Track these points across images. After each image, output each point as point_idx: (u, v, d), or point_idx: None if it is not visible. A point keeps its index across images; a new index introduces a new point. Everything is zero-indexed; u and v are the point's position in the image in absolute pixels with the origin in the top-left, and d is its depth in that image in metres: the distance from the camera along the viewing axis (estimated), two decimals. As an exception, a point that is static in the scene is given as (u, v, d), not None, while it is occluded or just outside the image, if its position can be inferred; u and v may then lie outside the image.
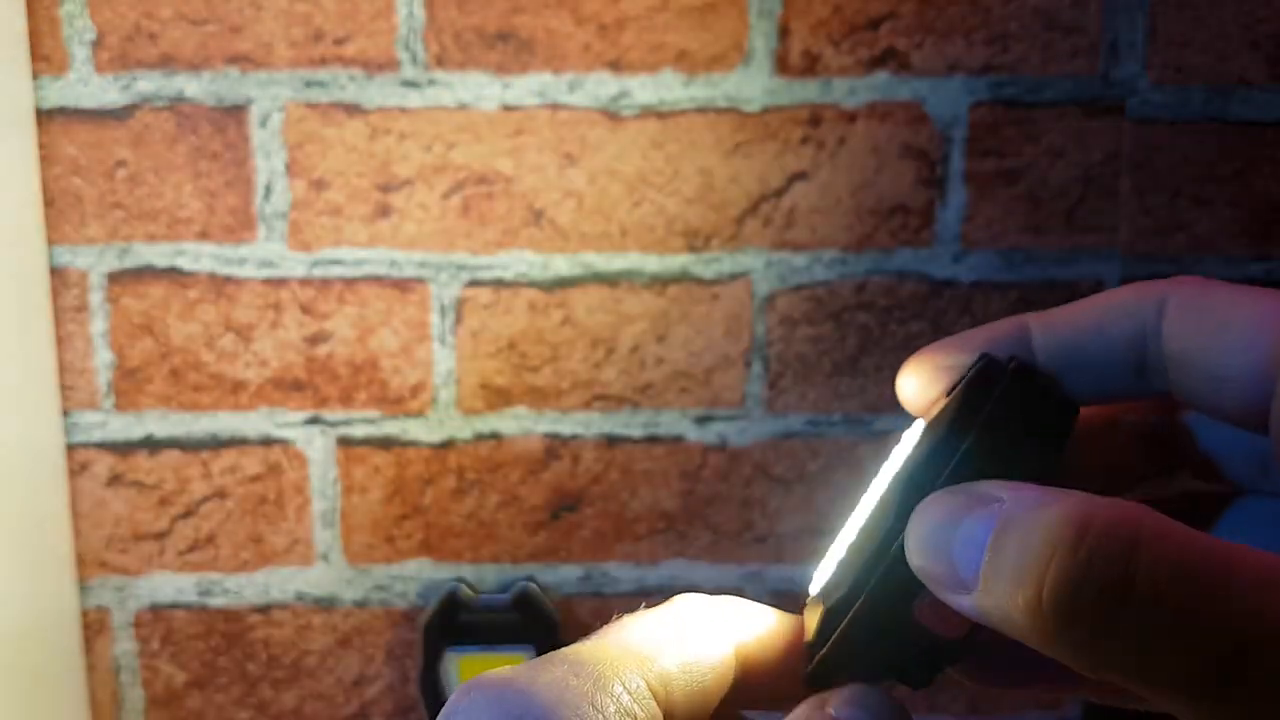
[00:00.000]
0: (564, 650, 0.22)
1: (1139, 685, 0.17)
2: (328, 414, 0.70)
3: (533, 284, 0.69)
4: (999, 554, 0.18)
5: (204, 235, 0.69)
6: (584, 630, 0.24)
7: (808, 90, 0.68)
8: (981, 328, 0.24)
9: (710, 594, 0.25)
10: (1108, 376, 0.23)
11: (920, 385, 0.25)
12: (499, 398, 0.70)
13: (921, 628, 0.22)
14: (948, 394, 0.24)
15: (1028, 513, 0.18)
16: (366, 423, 0.71)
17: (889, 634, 0.23)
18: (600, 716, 0.21)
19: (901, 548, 0.22)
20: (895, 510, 0.22)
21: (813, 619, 0.24)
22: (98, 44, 0.67)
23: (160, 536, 0.72)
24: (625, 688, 0.21)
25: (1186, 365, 0.22)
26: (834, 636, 0.23)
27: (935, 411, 0.24)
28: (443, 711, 0.21)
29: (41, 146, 0.68)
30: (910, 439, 0.25)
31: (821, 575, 0.25)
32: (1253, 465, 0.23)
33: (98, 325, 0.69)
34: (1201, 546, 0.17)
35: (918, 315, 0.70)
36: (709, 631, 0.24)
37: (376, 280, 0.69)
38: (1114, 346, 0.23)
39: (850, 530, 0.25)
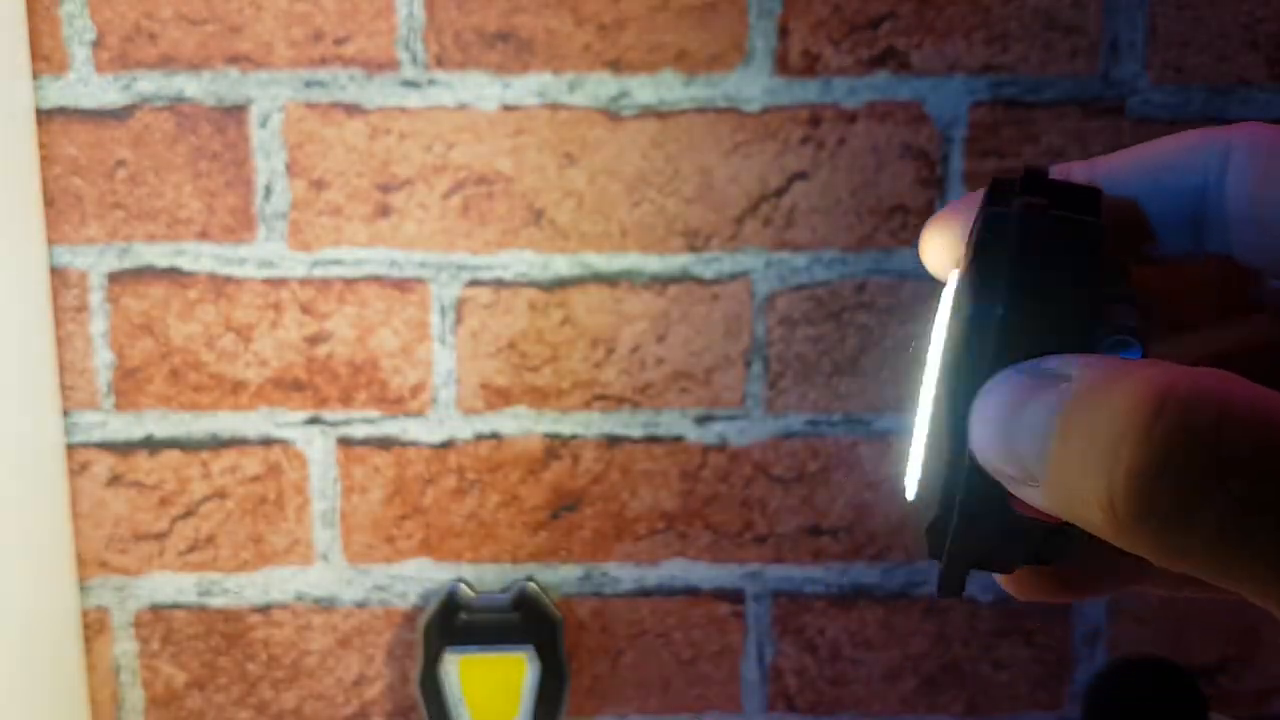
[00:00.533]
0: None
1: (1223, 578, 0.15)
2: (328, 414, 0.71)
3: (533, 284, 0.69)
4: (1066, 440, 0.16)
5: (204, 235, 0.69)
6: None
7: (808, 90, 0.68)
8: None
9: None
10: (1162, 236, 0.20)
11: (941, 247, 0.22)
12: (499, 398, 0.70)
13: (1026, 520, 0.20)
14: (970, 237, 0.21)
15: (1096, 390, 0.16)
16: (366, 423, 0.71)
17: (997, 537, 0.21)
18: None
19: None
20: (951, 404, 0.20)
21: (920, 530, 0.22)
22: (98, 44, 0.67)
23: (160, 536, 0.72)
24: None
25: (1255, 222, 0.19)
26: (945, 556, 0.22)
27: (964, 263, 0.21)
28: None
29: (41, 146, 0.68)
30: (948, 300, 0.22)
31: (912, 479, 0.23)
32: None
33: (98, 325, 0.69)
34: None
35: (918, 315, 0.70)
36: None
37: (376, 280, 0.69)
38: (1169, 200, 0.20)
39: (923, 419, 0.22)
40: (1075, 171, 0.21)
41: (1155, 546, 0.16)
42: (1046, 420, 0.17)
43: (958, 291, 0.21)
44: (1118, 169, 0.21)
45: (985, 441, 0.18)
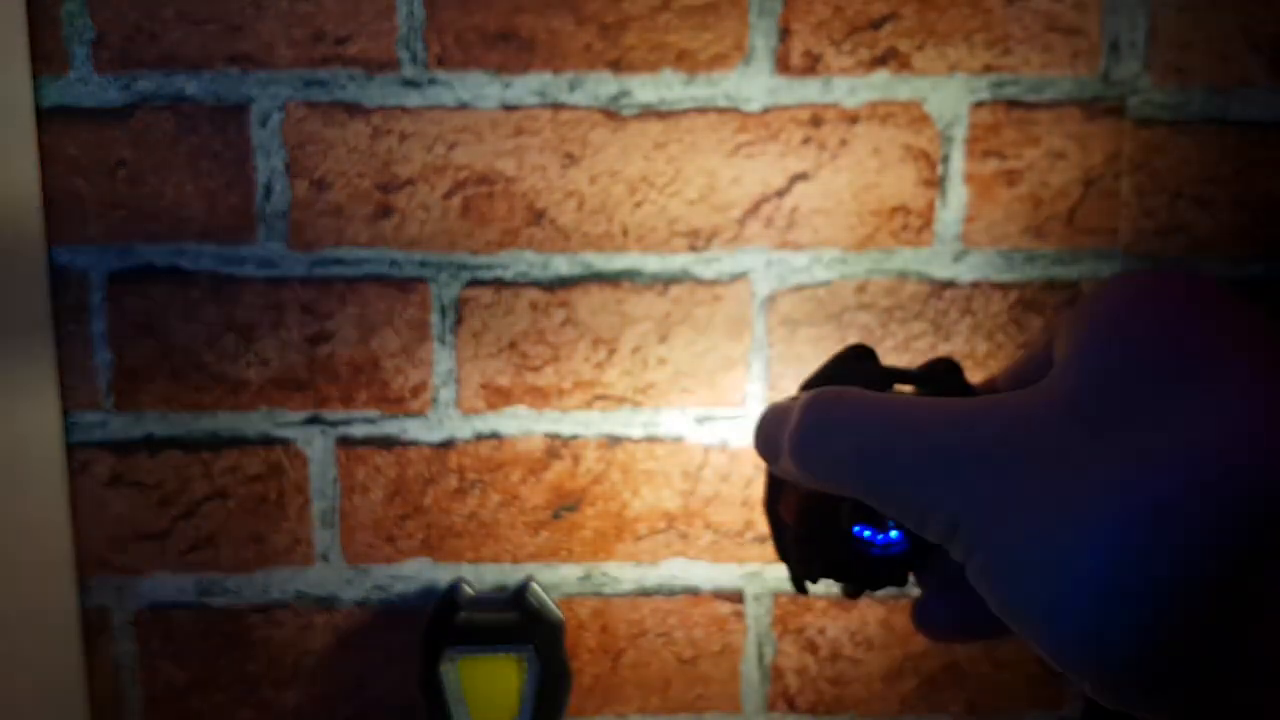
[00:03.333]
0: None
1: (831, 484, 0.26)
2: (328, 414, 0.70)
3: (533, 284, 0.69)
4: (783, 426, 0.27)
5: (204, 235, 0.69)
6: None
7: (809, 90, 0.68)
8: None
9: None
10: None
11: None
12: (499, 398, 0.70)
13: (783, 522, 0.30)
14: None
15: (811, 398, 0.27)
16: (367, 423, 0.71)
17: (778, 534, 0.31)
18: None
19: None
20: None
21: None
22: (98, 44, 0.67)
23: (160, 536, 0.72)
24: None
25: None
26: (777, 552, 0.32)
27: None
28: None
29: (41, 146, 0.67)
30: None
31: None
32: None
33: (98, 325, 0.69)
34: (877, 399, 0.25)
35: (918, 315, 0.70)
36: None
37: (377, 280, 0.69)
38: (1039, 368, 0.29)
39: None
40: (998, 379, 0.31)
41: (805, 466, 0.27)
42: (776, 421, 0.28)
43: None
44: (1014, 364, 0.30)
45: (758, 436, 0.29)
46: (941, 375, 0.30)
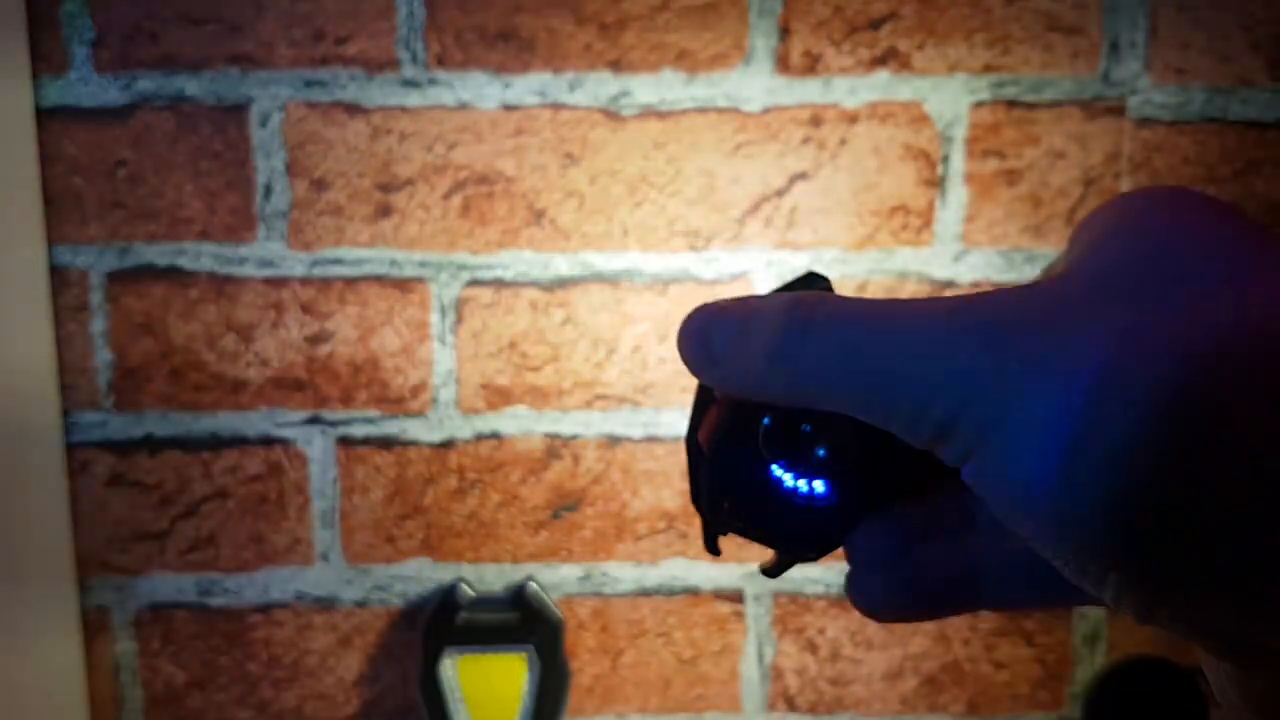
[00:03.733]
0: None
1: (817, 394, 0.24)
2: (328, 414, 0.70)
3: (533, 284, 0.69)
4: (744, 329, 0.25)
5: (204, 235, 0.69)
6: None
7: (809, 90, 0.68)
8: None
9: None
10: None
11: None
12: (499, 397, 0.70)
13: (700, 452, 0.27)
14: None
15: (765, 303, 0.25)
16: (367, 422, 0.71)
17: (694, 471, 0.28)
18: None
19: (700, 391, 0.27)
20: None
21: None
22: (98, 44, 0.67)
23: (160, 536, 0.72)
24: None
25: None
26: (693, 501, 0.28)
27: None
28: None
29: (41, 146, 0.67)
30: None
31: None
32: None
33: (98, 325, 0.69)
34: (863, 300, 0.24)
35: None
36: None
37: (377, 280, 0.69)
38: None
39: None
40: None
41: (788, 376, 0.24)
42: (735, 321, 0.25)
43: None
44: None
45: (688, 339, 0.26)
46: None
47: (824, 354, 0.23)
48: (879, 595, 0.26)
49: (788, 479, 0.26)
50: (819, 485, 0.26)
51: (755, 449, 0.26)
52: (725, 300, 0.26)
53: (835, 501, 0.26)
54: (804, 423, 0.26)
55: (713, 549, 0.28)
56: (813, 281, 0.27)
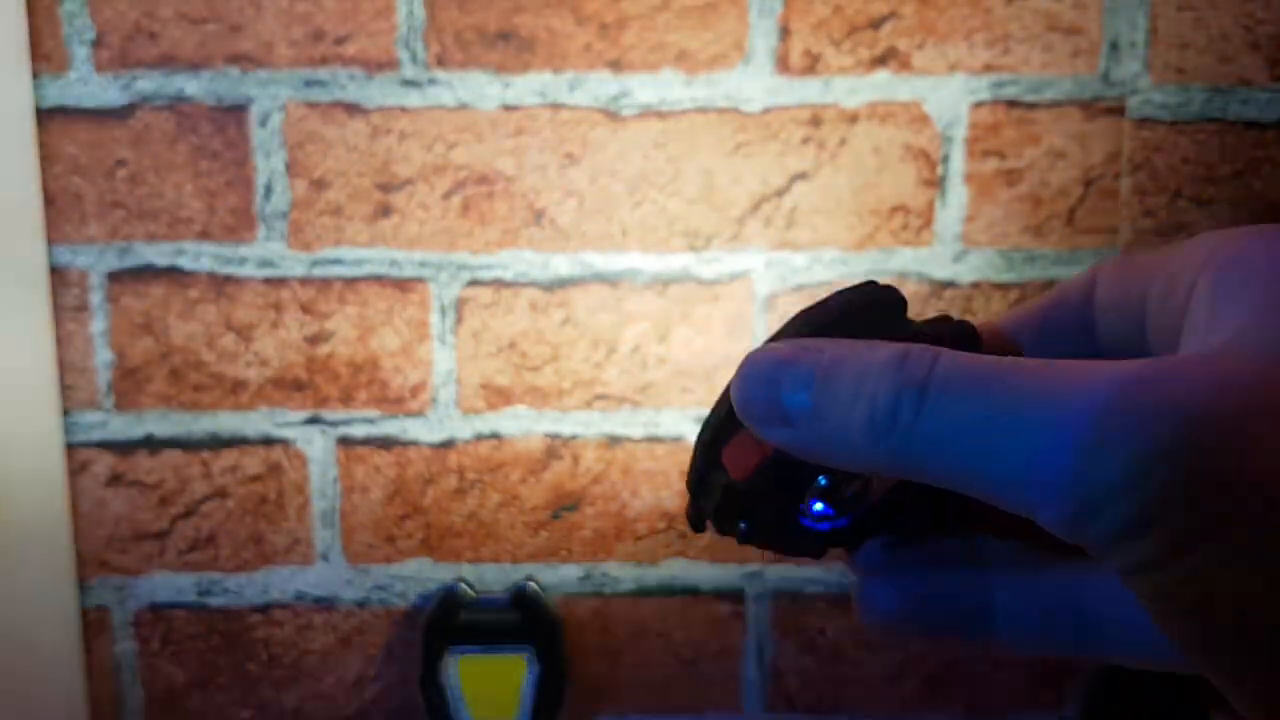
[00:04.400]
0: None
1: (940, 473, 0.20)
2: (328, 414, 0.70)
3: (533, 284, 0.69)
4: (831, 385, 0.21)
5: (204, 235, 0.69)
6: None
7: (808, 90, 0.68)
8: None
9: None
10: (1071, 343, 0.25)
11: None
12: (499, 397, 0.70)
13: (723, 470, 0.25)
14: None
15: (857, 353, 0.22)
16: (366, 422, 0.71)
17: (705, 478, 0.26)
18: None
19: (723, 396, 0.24)
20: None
21: None
22: (98, 43, 0.67)
23: (160, 536, 0.72)
24: None
25: (1107, 320, 0.24)
26: (687, 481, 0.26)
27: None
28: None
29: (41, 146, 0.67)
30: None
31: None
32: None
33: (98, 325, 0.69)
34: (986, 363, 0.20)
35: (918, 315, 0.70)
36: None
37: (377, 280, 0.69)
38: (1067, 323, 0.25)
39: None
40: (1001, 322, 0.27)
41: (893, 458, 0.21)
42: (808, 372, 0.22)
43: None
44: (1028, 315, 0.26)
45: (745, 384, 0.23)
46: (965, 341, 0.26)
47: (944, 430, 0.20)
48: (887, 609, 0.25)
49: (819, 510, 0.25)
50: (843, 518, 0.25)
51: (795, 494, 0.25)
52: (798, 344, 0.23)
53: (848, 524, 0.25)
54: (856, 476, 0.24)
55: (699, 529, 0.27)
56: (876, 294, 0.25)
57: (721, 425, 0.25)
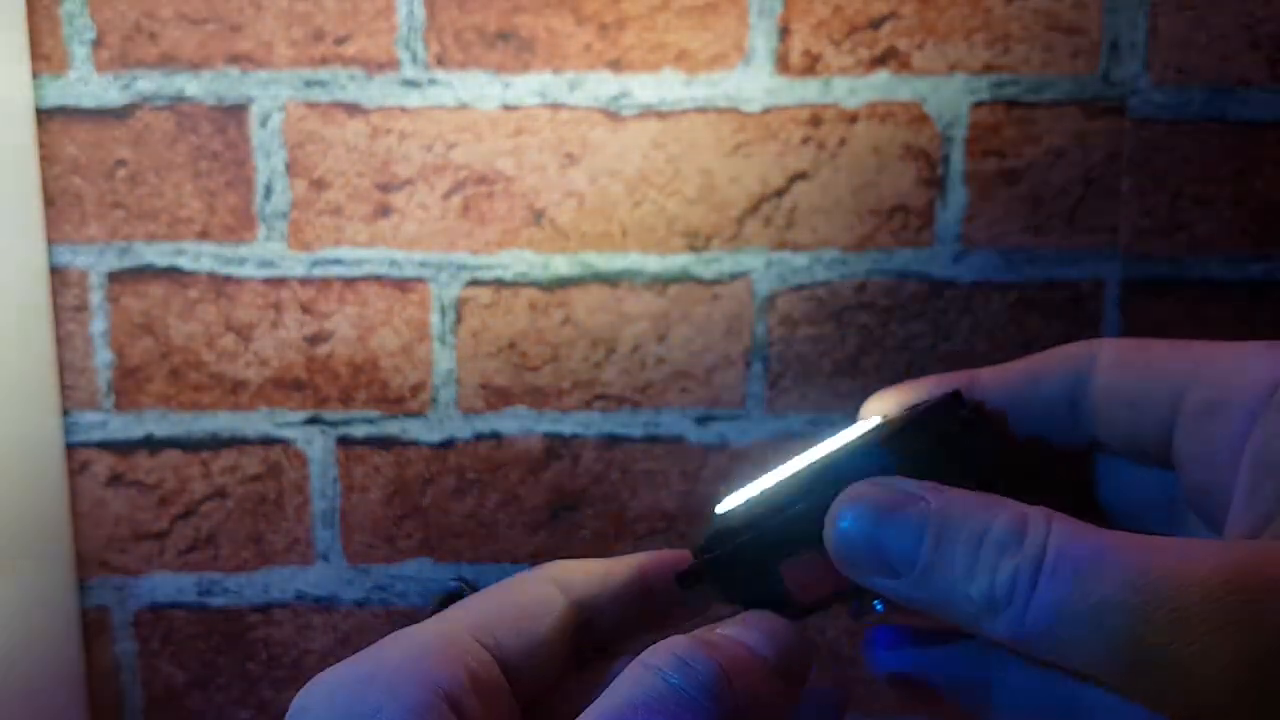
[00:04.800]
0: (396, 634, 0.23)
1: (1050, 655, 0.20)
2: (328, 414, 0.70)
3: (533, 284, 0.69)
4: (945, 547, 0.21)
5: (204, 235, 0.69)
6: None
7: (808, 90, 0.68)
8: (934, 376, 0.27)
9: None
10: (1047, 421, 0.25)
11: (877, 407, 0.28)
12: (499, 398, 0.70)
13: (780, 581, 0.25)
14: (910, 409, 0.27)
15: (970, 513, 0.21)
16: (366, 423, 0.71)
17: (753, 575, 0.25)
18: (430, 669, 0.22)
19: (800, 514, 0.24)
20: (811, 482, 0.25)
21: (710, 527, 0.27)
22: (98, 43, 0.67)
23: (160, 536, 0.72)
24: (453, 642, 0.23)
25: (1112, 407, 0.24)
26: (711, 555, 0.26)
27: (890, 420, 0.27)
28: (291, 711, 0.21)
29: (41, 146, 0.68)
30: (857, 429, 0.27)
31: (731, 502, 0.27)
32: (1162, 511, 0.25)
33: (98, 325, 0.69)
34: (1099, 538, 0.19)
35: (918, 315, 0.70)
36: (538, 590, 0.26)
37: (377, 280, 0.69)
38: (1052, 394, 0.25)
39: (772, 480, 0.27)
40: (983, 375, 0.26)
41: (1014, 635, 0.20)
42: (916, 528, 0.21)
43: (878, 427, 0.26)
44: (1017, 368, 0.26)
45: (851, 535, 0.22)
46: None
47: (1061, 610, 0.19)
48: (887, 662, 0.26)
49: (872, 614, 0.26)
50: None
51: (860, 611, 0.25)
52: (900, 490, 0.22)
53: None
54: None
55: (688, 588, 0.28)
56: (965, 430, 0.24)
57: (788, 542, 0.24)
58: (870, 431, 0.26)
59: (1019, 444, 0.26)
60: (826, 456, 0.26)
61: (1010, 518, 0.20)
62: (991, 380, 0.26)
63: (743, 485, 0.28)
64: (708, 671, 0.21)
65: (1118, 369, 0.24)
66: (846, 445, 0.26)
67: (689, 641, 0.22)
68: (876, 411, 0.28)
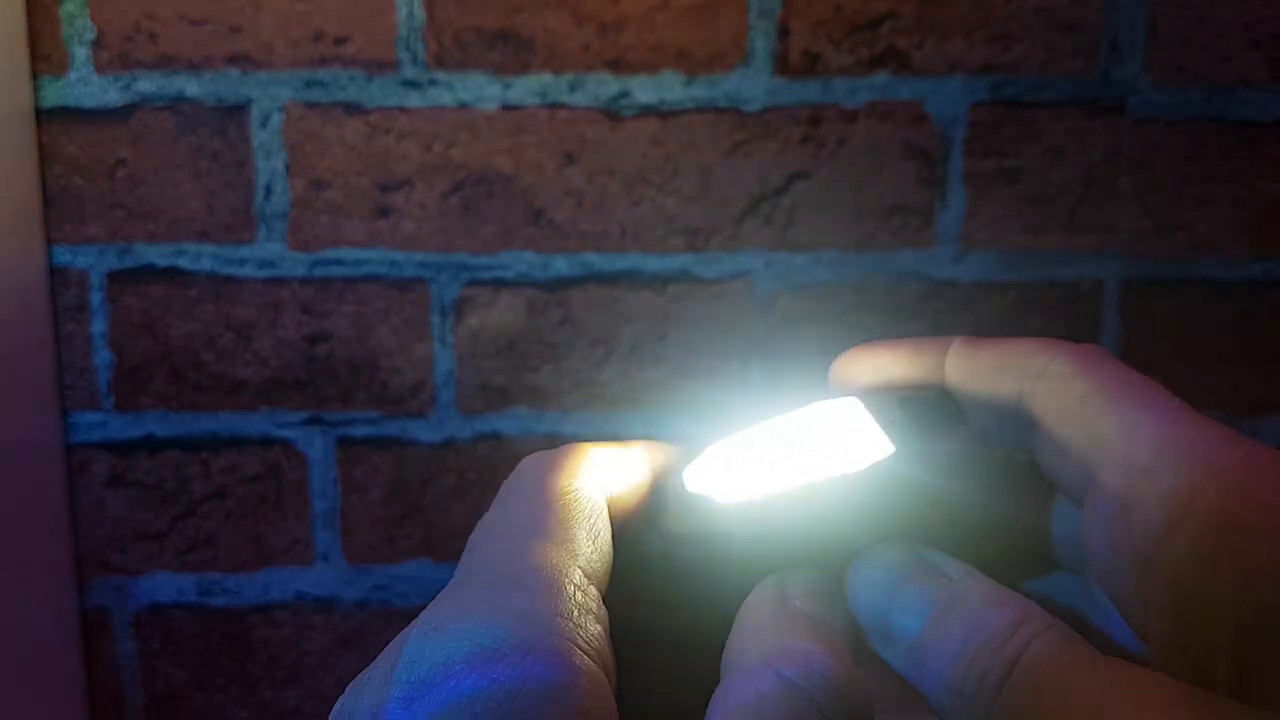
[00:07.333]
0: (494, 562, 0.21)
1: None
2: (328, 414, 0.70)
3: (533, 284, 0.69)
4: (939, 625, 0.21)
5: (204, 235, 0.69)
6: None
7: (808, 90, 0.68)
8: (913, 341, 0.26)
9: None
10: (994, 418, 0.25)
11: (850, 377, 0.27)
12: (499, 397, 0.70)
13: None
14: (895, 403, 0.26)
15: (970, 607, 0.20)
16: (366, 423, 0.71)
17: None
18: (571, 622, 0.20)
19: (813, 547, 0.24)
20: (820, 513, 0.24)
21: (681, 504, 0.25)
22: (98, 44, 0.67)
23: (160, 536, 0.72)
24: (574, 584, 0.21)
25: (1044, 435, 0.23)
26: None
27: (879, 418, 0.26)
28: (406, 656, 0.19)
29: (41, 146, 0.68)
30: (832, 409, 0.27)
31: (705, 474, 0.26)
32: (1072, 546, 0.24)
33: (98, 325, 0.69)
34: (1079, 661, 0.19)
35: (918, 315, 0.70)
36: (594, 496, 0.24)
37: (376, 280, 0.69)
38: (999, 393, 0.24)
39: (747, 460, 0.26)
40: (954, 346, 0.25)
41: None
42: (921, 606, 0.21)
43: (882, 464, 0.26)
44: (983, 354, 0.25)
45: (864, 599, 0.22)
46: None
47: (1060, 707, 0.18)
48: None
49: None
50: None
51: None
52: (924, 562, 0.22)
53: None
54: None
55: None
56: (935, 406, 0.25)
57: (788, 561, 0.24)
58: (874, 450, 0.25)
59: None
60: (834, 481, 0.25)
61: (1019, 607, 0.20)
62: (957, 361, 0.25)
63: (708, 455, 0.26)
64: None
65: (1054, 406, 0.23)
66: (853, 473, 0.25)
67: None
68: (851, 380, 0.27)
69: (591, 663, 0.19)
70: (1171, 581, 0.19)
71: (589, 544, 0.22)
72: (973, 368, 0.25)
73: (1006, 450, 0.25)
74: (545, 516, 0.22)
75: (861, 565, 0.22)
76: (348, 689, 0.20)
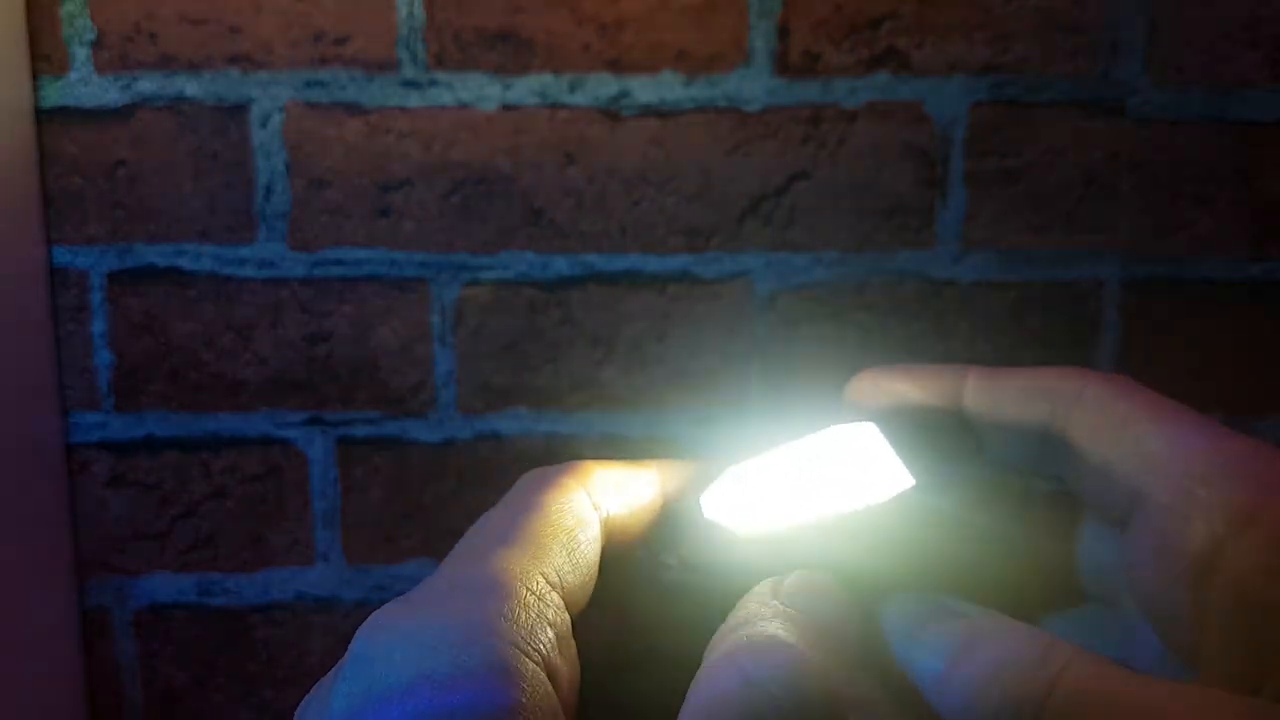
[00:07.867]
0: (453, 568, 0.22)
1: None
2: (328, 414, 0.70)
3: (533, 284, 0.69)
4: (965, 665, 0.21)
5: (204, 235, 0.69)
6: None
7: (808, 90, 0.68)
8: (929, 367, 0.26)
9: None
10: (1019, 445, 0.25)
11: (867, 400, 0.27)
12: (499, 397, 0.70)
13: None
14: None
15: (996, 640, 0.21)
16: (367, 423, 0.71)
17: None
18: (516, 626, 0.20)
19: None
20: (839, 549, 0.24)
21: (697, 531, 0.25)
22: (98, 44, 0.67)
23: (160, 536, 0.72)
24: (530, 590, 0.21)
25: (1083, 458, 0.23)
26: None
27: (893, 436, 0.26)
28: (353, 654, 0.20)
29: (41, 146, 0.68)
30: (849, 435, 0.26)
31: (723, 501, 0.26)
32: (1103, 573, 0.24)
33: (98, 325, 0.69)
34: (1111, 683, 0.19)
35: (918, 315, 0.70)
36: (580, 511, 0.24)
37: (376, 280, 0.69)
38: (1028, 419, 0.24)
39: (768, 492, 0.26)
40: (971, 376, 0.25)
41: None
42: (946, 642, 0.21)
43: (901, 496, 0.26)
44: (1002, 383, 0.25)
45: (893, 638, 0.22)
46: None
47: None
48: None
49: None
50: None
51: None
52: (945, 607, 0.22)
53: None
54: None
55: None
56: (953, 433, 0.25)
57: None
58: (890, 482, 0.26)
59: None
60: (854, 514, 0.25)
61: (1035, 641, 0.20)
62: (978, 389, 0.25)
63: (726, 481, 0.26)
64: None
65: (1093, 429, 0.23)
66: (874, 506, 0.25)
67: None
68: (866, 400, 0.27)
69: (534, 665, 0.19)
70: (1234, 588, 0.19)
71: (562, 555, 0.22)
72: (997, 394, 0.25)
73: (1026, 478, 0.25)
74: (518, 526, 0.23)
75: (884, 613, 0.22)
76: (312, 688, 0.21)
